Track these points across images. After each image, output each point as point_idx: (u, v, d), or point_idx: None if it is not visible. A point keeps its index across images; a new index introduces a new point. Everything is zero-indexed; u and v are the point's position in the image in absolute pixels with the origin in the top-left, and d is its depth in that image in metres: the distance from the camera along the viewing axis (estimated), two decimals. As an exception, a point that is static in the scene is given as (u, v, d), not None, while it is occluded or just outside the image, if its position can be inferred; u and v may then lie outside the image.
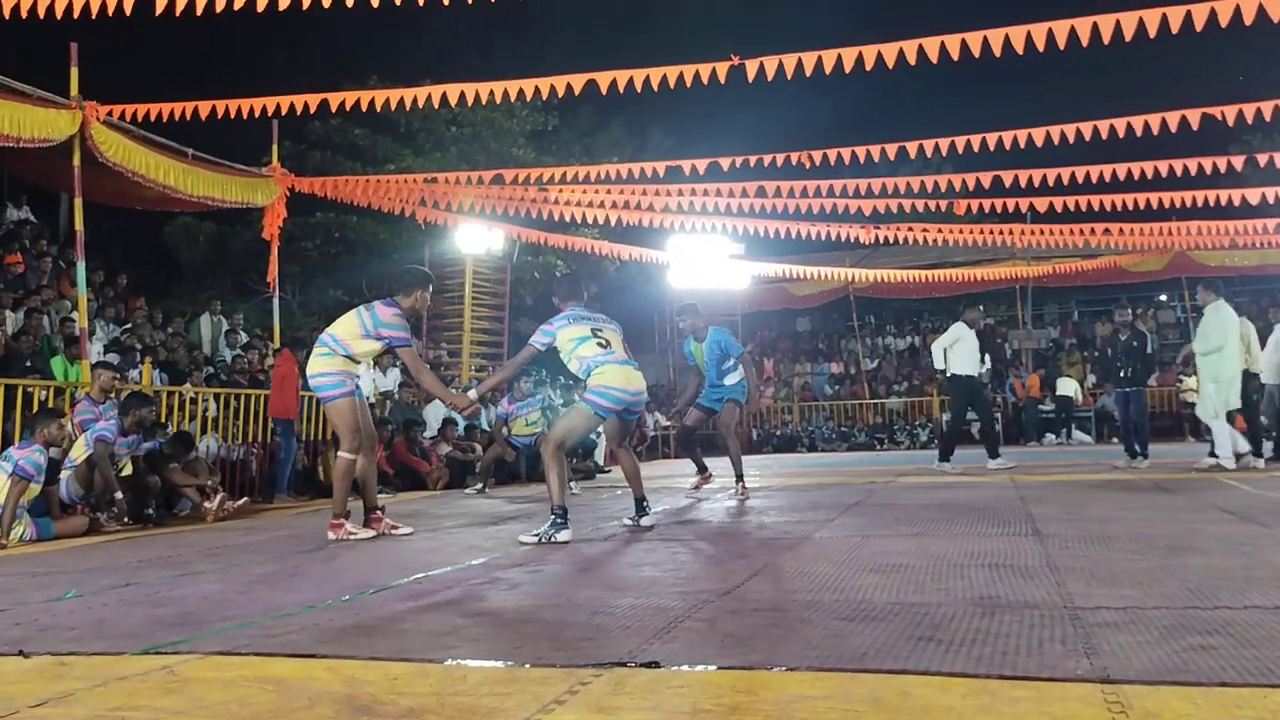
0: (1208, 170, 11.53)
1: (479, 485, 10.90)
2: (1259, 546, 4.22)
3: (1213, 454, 9.70)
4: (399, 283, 6.45)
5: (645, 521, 6.04)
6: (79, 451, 7.54)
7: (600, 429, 14.42)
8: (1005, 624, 2.84)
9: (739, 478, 8.24)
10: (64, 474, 7.49)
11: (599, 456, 14.87)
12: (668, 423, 22.15)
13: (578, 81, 8.77)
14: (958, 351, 10.93)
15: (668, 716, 2.08)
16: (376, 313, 6.12)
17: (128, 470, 7.95)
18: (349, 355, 6.10)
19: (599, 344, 5.81)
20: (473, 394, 6.24)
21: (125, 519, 7.56)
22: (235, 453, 10.43)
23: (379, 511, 6.32)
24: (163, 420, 9.23)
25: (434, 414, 13.24)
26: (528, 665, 2.57)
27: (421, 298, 6.40)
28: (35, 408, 8.20)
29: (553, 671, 2.49)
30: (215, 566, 5.02)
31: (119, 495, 7.52)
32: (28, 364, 9.70)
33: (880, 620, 2.95)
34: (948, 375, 11.05)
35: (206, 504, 8.08)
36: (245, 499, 8.39)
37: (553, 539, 5.35)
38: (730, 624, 3.01)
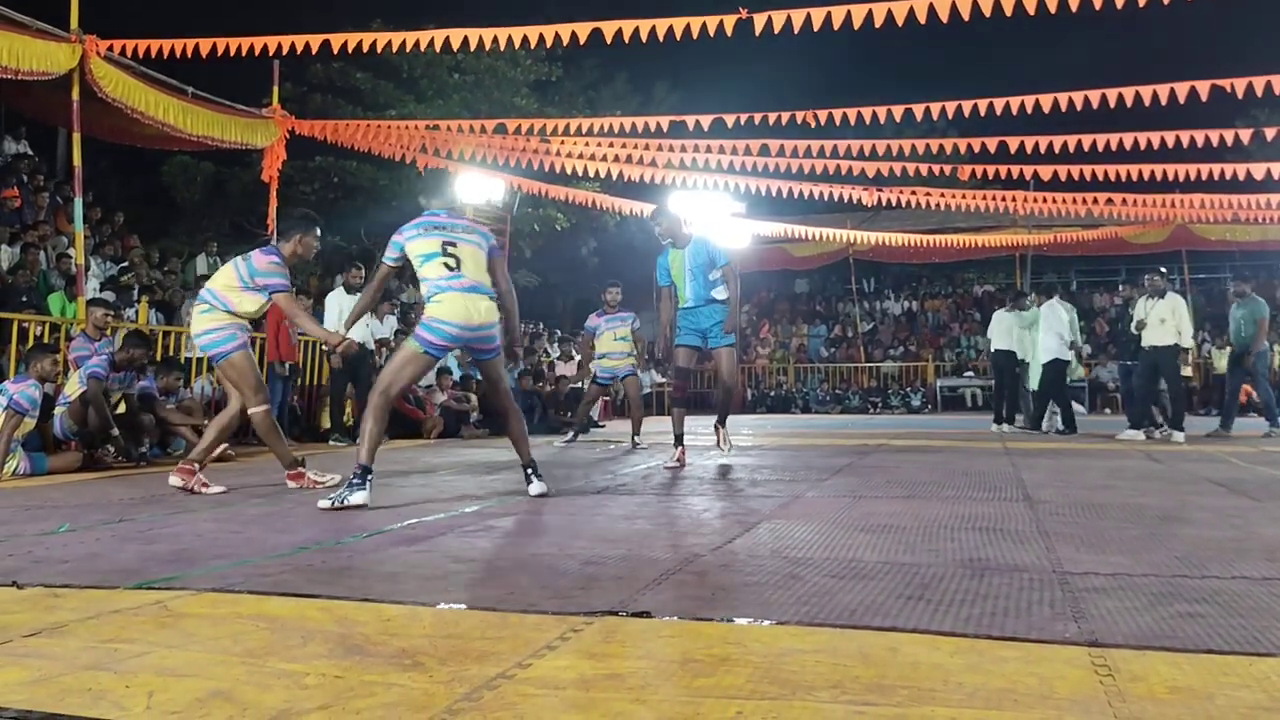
0: (1214, 143, 11.49)
1: (570, 435, 10.20)
2: (1248, 519, 4.24)
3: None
4: (280, 228, 6.04)
5: (534, 490, 5.22)
6: (72, 388, 7.53)
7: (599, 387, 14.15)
8: (994, 586, 2.86)
9: (721, 421, 7.45)
10: (58, 410, 7.49)
11: (594, 410, 14.90)
12: (661, 379, 22.16)
13: (583, 30, 8.69)
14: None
15: (658, 665, 2.09)
16: (253, 261, 5.76)
17: (121, 409, 7.95)
18: (230, 311, 5.72)
19: (445, 264, 5.02)
20: (340, 329, 5.77)
21: (119, 456, 7.56)
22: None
23: (195, 467, 5.79)
24: (157, 360, 9.22)
25: (429, 363, 13.22)
26: (520, 611, 2.59)
27: (304, 243, 5.92)
28: (30, 343, 8.19)
29: (544, 618, 2.51)
30: (208, 506, 5.04)
31: (116, 432, 7.52)
32: (24, 299, 9.66)
33: (870, 578, 2.97)
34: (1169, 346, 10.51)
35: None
36: (225, 446, 8.38)
37: (345, 503, 4.71)
38: (721, 577, 3.03)
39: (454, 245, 5.06)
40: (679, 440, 7.18)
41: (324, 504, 4.77)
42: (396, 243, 5.14)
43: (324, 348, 6.20)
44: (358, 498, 4.74)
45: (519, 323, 5.64)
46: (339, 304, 10.12)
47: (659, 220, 7.29)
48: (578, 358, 15.90)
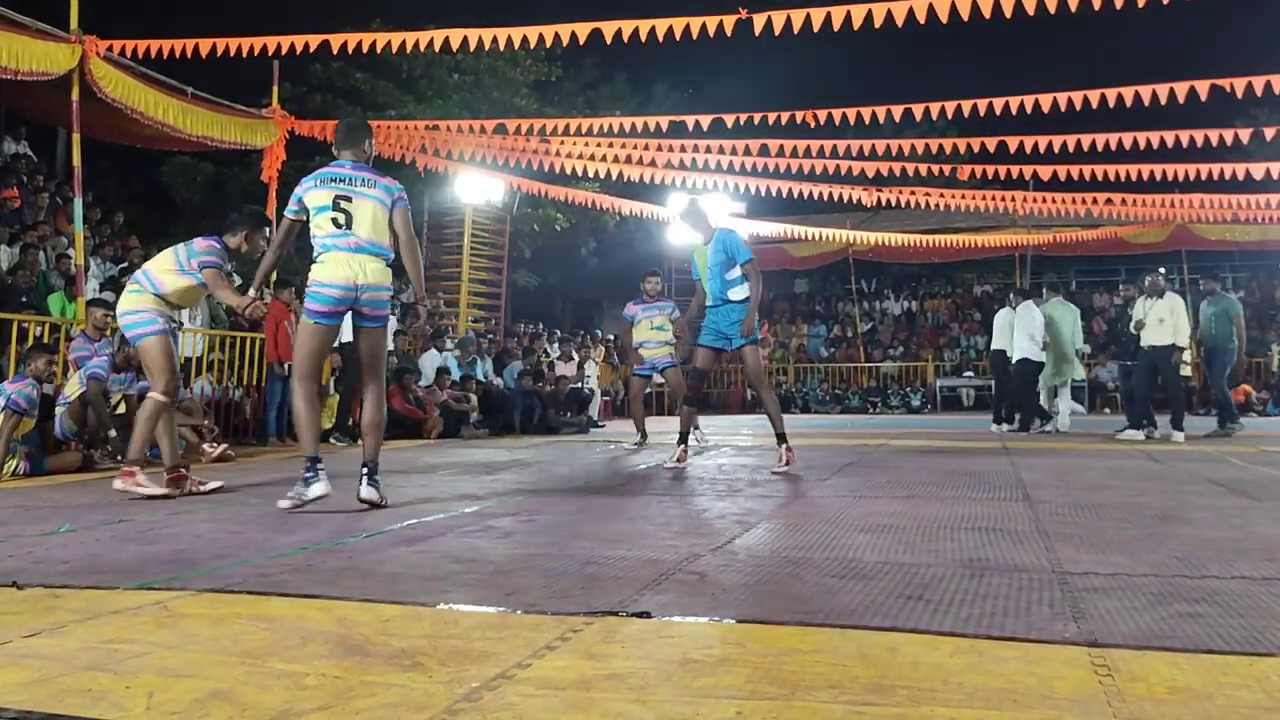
0: (1214, 143, 11.50)
1: (639, 438, 9.67)
2: (1248, 519, 4.24)
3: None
4: (227, 221, 5.86)
5: (364, 493, 4.73)
6: (72, 388, 7.53)
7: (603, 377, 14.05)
8: (994, 586, 2.86)
9: (780, 438, 6.72)
10: (58, 410, 7.49)
11: (593, 411, 14.91)
12: (661, 379, 22.17)
13: (582, 30, 8.70)
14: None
15: (658, 665, 2.09)
16: (194, 245, 5.62)
17: (121, 409, 7.95)
18: (159, 295, 5.56)
19: (334, 219, 4.68)
20: (252, 292, 5.43)
21: (119, 457, 7.56)
22: (231, 394, 10.44)
23: (182, 470, 5.72)
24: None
25: (429, 363, 13.23)
26: (519, 611, 2.59)
27: (251, 239, 5.78)
28: (30, 344, 8.19)
29: (544, 618, 2.51)
30: (208, 506, 5.03)
31: (113, 433, 7.52)
32: (23, 299, 9.66)
33: (870, 578, 2.97)
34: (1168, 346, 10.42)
35: (206, 447, 8.11)
36: (225, 446, 8.37)
37: (303, 499, 4.58)
38: (721, 578, 3.03)
39: (348, 200, 4.72)
40: (682, 439, 7.10)
41: (284, 504, 4.64)
42: (296, 194, 4.84)
43: (238, 310, 5.96)
44: (315, 490, 4.60)
45: (422, 276, 5.26)
46: None
47: (685, 216, 7.15)
48: (577, 358, 15.92)
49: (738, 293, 6.76)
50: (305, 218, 4.85)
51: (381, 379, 5.06)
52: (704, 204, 7.25)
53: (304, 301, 4.78)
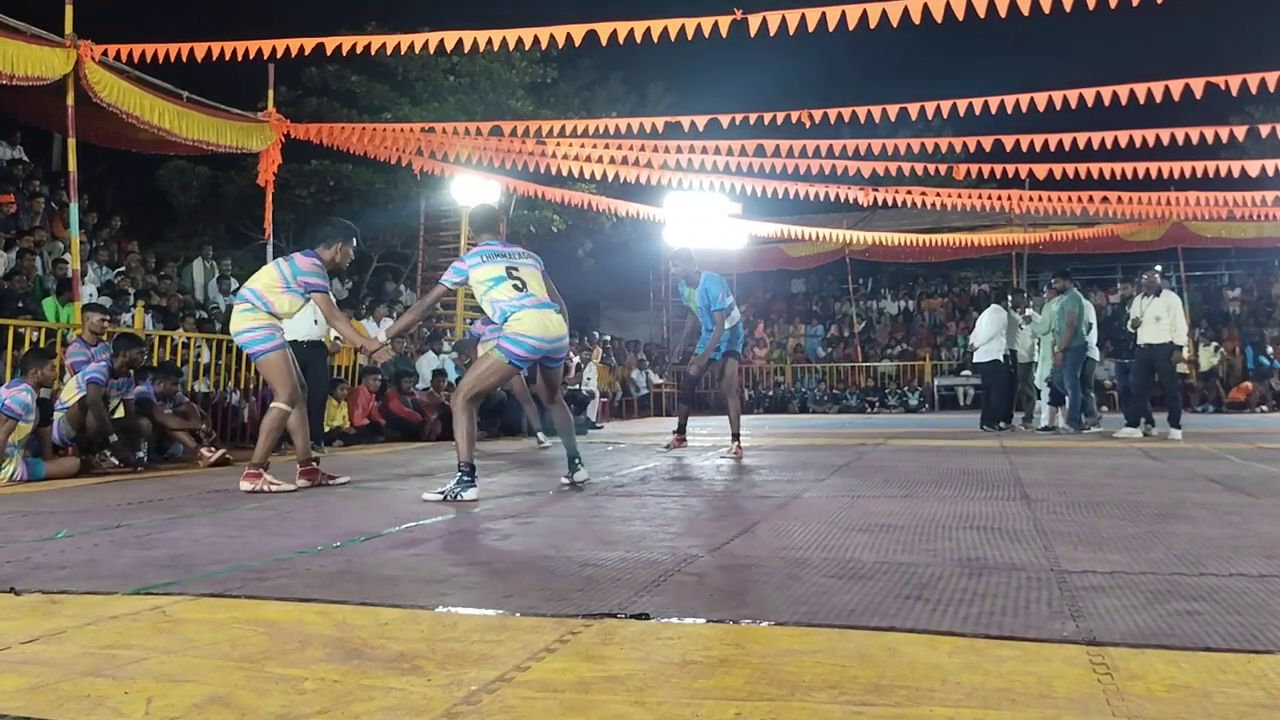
0: (1209, 140, 11.49)
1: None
2: (1245, 516, 4.25)
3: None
4: (320, 234, 6.26)
5: (578, 477, 5.86)
6: (70, 393, 7.52)
7: (592, 383, 14.28)
8: (992, 585, 2.86)
9: (734, 436, 8.30)
10: (56, 415, 7.48)
11: (591, 413, 14.91)
12: (659, 380, 22.18)
13: (578, 32, 8.68)
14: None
15: (657, 667, 2.09)
16: (296, 262, 5.99)
17: (119, 413, 7.94)
18: (271, 312, 5.93)
19: (514, 286, 5.42)
20: (382, 336, 6.02)
21: (117, 461, 7.56)
22: (228, 398, 10.43)
23: (314, 463, 6.30)
24: (154, 365, 9.21)
25: (426, 365, 13.23)
26: (518, 614, 2.59)
27: (343, 250, 6.24)
28: (26, 348, 8.17)
29: (543, 621, 2.51)
30: (206, 510, 5.03)
31: (113, 437, 7.52)
32: (19, 305, 9.65)
33: (868, 579, 2.97)
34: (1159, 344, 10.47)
35: (204, 451, 8.11)
36: (224, 450, 8.36)
37: (458, 497, 5.15)
38: (719, 579, 3.03)
39: (517, 270, 5.46)
40: (680, 429, 9.06)
41: (433, 496, 5.22)
42: (460, 269, 5.49)
43: (362, 353, 6.50)
44: (470, 494, 5.20)
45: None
46: None
47: (677, 264, 8.60)
48: (576, 360, 15.92)
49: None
50: (457, 289, 5.72)
51: (562, 396, 6.01)
52: (693, 254, 8.70)
53: (504, 343, 5.38)
